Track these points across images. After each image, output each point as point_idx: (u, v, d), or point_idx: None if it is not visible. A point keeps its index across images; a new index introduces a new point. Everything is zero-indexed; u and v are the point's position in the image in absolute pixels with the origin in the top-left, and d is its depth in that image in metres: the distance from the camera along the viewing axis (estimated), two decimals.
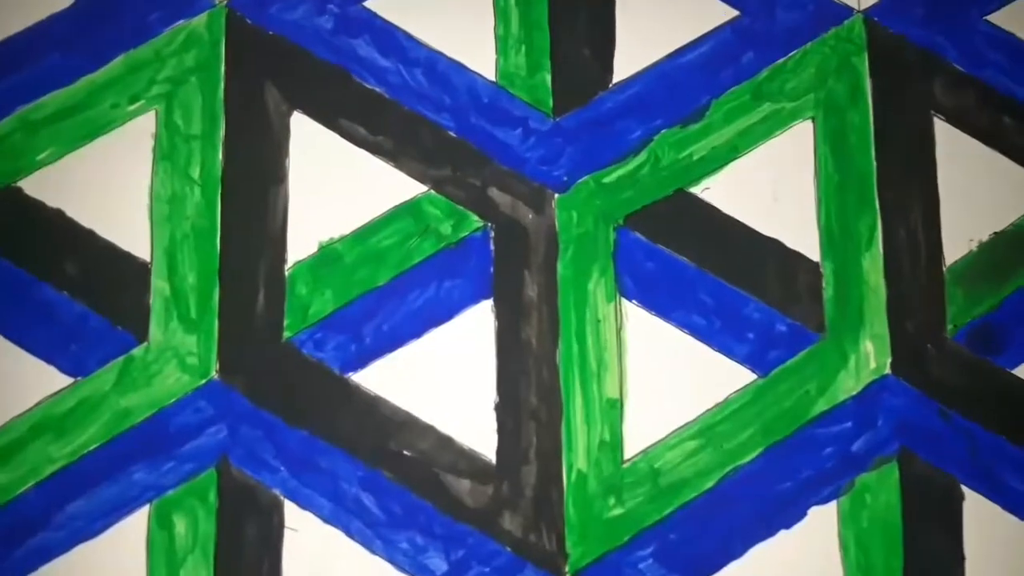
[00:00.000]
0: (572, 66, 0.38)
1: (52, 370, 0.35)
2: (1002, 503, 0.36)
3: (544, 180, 0.38)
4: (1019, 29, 0.39)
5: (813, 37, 0.39)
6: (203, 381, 0.36)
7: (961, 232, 0.38)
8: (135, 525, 0.35)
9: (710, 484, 0.36)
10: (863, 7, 0.39)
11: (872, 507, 0.36)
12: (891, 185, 0.38)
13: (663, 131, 0.38)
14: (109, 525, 0.35)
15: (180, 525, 0.35)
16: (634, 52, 0.38)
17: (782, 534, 0.35)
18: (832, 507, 0.36)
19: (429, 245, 0.37)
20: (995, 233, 0.38)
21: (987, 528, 0.36)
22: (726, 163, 0.38)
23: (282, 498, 0.35)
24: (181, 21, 0.38)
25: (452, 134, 0.38)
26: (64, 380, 0.35)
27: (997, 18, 0.40)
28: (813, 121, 0.38)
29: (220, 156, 0.37)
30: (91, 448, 0.35)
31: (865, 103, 0.39)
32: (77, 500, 0.35)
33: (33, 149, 0.37)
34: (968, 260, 0.38)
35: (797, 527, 0.36)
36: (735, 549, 0.35)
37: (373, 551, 0.35)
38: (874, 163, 0.38)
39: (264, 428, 0.35)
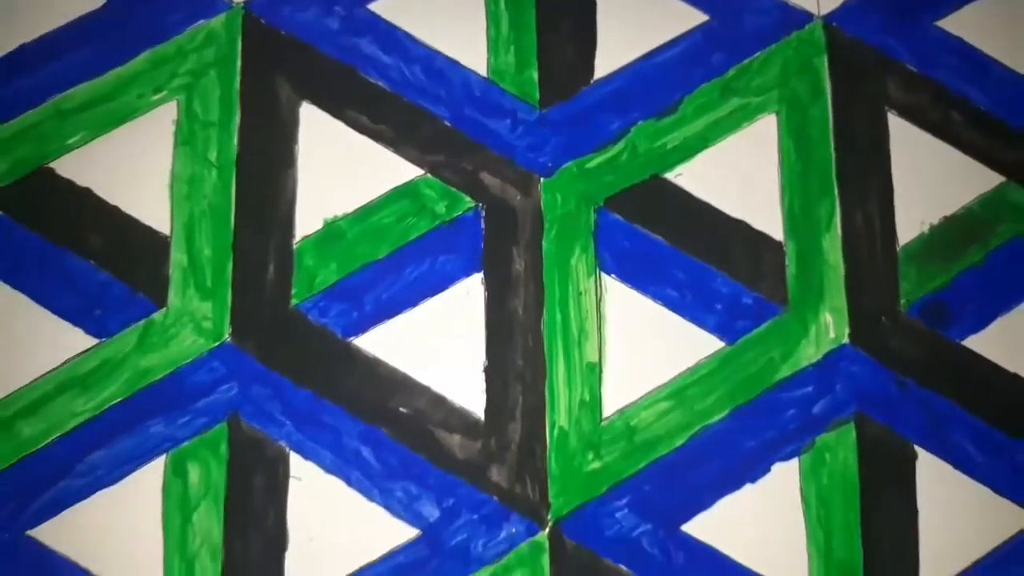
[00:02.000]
0: (557, 64, 0.45)
1: (78, 332, 0.42)
2: (952, 462, 0.43)
3: (531, 166, 0.44)
4: (966, 33, 0.47)
5: (777, 40, 0.46)
6: (217, 343, 0.42)
7: (914, 216, 0.45)
8: (152, 474, 0.41)
9: (681, 441, 0.42)
10: (823, 13, 0.47)
11: (831, 465, 0.42)
12: (849, 173, 0.45)
13: (640, 123, 0.45)
14: (128, 473, 0.41)
15: (193, 474, 0.41)
16: (614, 52, 0.46)
17: (748, 488, 0.42)
18: (794, 464, 0.42)
19: (425, 223, 0.44)
20: (945, 217, 0.45)
21: (938, 485, 0.42)
22: (697, 152, 0.45)
23: (288, 450, 0.41)
24: (201, 21, 0.45)
25: (447, 124, 0.45)
26: (89, 341, 0.42)
27: (946, 23, 0.47)
28: (777, 115, 0.45)
29: (235, 142, 0.44)
30: (112, 403, 0.41)
31: (825, 99, 0.46)
32: (98, 451, 0.41)
33: (64, 134, 0.44)
34: (920, 241, 0.45)
35: (761, 482, 0.42)
36: (704, 501, 0.41)
37: (371, 499, 0.41)
38: (833, 153, 0.45)
39: (272, 387, 0.42)
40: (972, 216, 0.45)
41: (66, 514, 0.40)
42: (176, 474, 0.41)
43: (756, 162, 0.45)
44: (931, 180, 0.45)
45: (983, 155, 0.46)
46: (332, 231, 0.43)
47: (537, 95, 0.45)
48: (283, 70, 0.45)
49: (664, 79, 0.45)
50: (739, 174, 0.44)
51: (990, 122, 0.46)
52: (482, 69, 0.45)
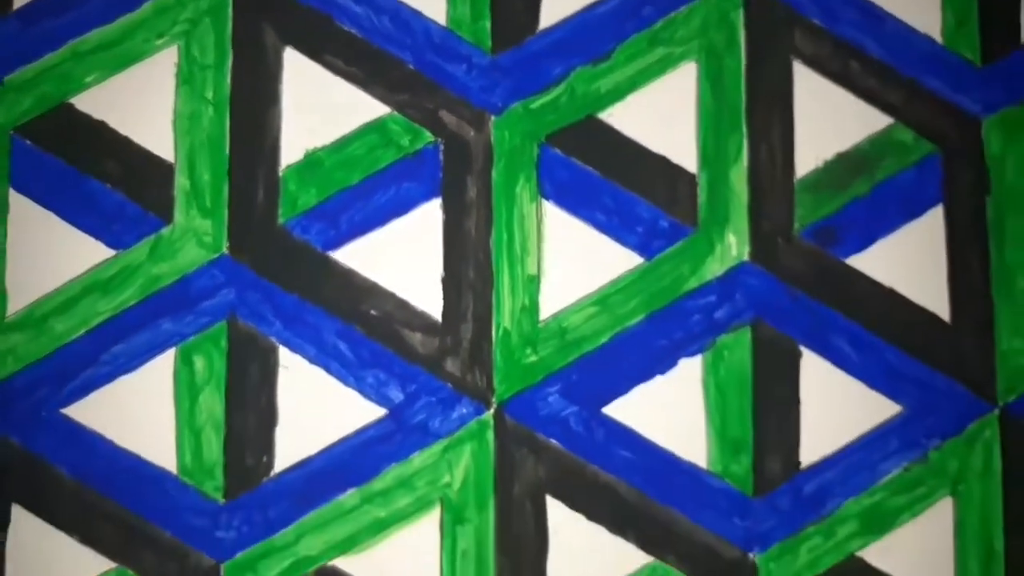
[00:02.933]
0: (507, 15, 0.55)
1: (99, 244, 0.53)
2: (832, 360, 0.54)
3: (484, 105, 0.55)
4: None
5: None
6: (216, 255, 0.53)
7: (811, 152, 0.55)
8: (164, 363, 0.52)
9: (604, 340, 0.53)
10: None
11: (729, 360, 0.54)
12: (756, 115, 0.55)
13: (578, 68, 0.55)
14: (144, 363, 0.52)
15: (199, 363, 0.52)
16: (558, 5, 0.55)
17: (658, 378, 0.53)
18: (698, 359, 0.54)
19: (391, 154, 0.54)
20: (839, 153, 0.56)
21: (819, 379, 0.54)
22: (627, 95, 0.55)
23: (277, 344, 0.53)
24: None
25: (411, 67, 0.55)
26: (108, 252, 0.53)
27: None
28: (697, 63, 0.56)
29: (228, 82, 0.54)
30: (129, 305, 0.53)
31: (739, 50, 0.56)
32: (119, 344, 0.52)
33: (81, 74, 0.54)
34: (815, 174, 0.55)
35: (670, 373, 0.53)
36: (621, 388, 0.53)
37: (347, 384, 0.53)
38: (743, 97, 0.55)
39: (263, 292, 0.53)
40: (862, 153, 0.56)
41: (93, 396, 0.52)
42: (184, 363, 0.52)
43: (677, 104, 0.55)
44: (828, 121, 0.55)
45: (875, 99, 0.56)
46: (312, 160, 0.54)
47: (489, 43, 0.55)
48: (268, 19, 0.54)
49: (600, 30, 0.55)
50: (661, 115, 0.55)
51: (883, 69, 0.56)
52: (442, 19, 0.55)
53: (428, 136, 0.55)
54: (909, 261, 0.55)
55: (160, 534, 0.52)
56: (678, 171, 0.55)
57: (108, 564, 0.51)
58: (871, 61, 0.56)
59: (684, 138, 0.55)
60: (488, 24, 0.55)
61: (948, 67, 0.57)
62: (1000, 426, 0.54)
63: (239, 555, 0.52)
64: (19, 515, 0.52)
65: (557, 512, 0.53)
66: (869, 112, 0.56)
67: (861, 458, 0.54)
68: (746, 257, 0.55)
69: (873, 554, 0.54)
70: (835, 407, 0.54)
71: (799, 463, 0.54)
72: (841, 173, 0.56)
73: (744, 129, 0.55)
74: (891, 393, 0.55)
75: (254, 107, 0.54)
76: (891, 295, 0.55)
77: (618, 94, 0.55)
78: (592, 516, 0.53)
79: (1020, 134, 0.56)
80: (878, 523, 0.54)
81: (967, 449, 0.54)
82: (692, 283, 0.54)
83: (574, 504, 0.53)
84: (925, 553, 0.54)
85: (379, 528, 0.52)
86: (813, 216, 0.55)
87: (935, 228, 0.56)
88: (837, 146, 0.56)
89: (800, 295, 0.55)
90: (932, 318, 0.55)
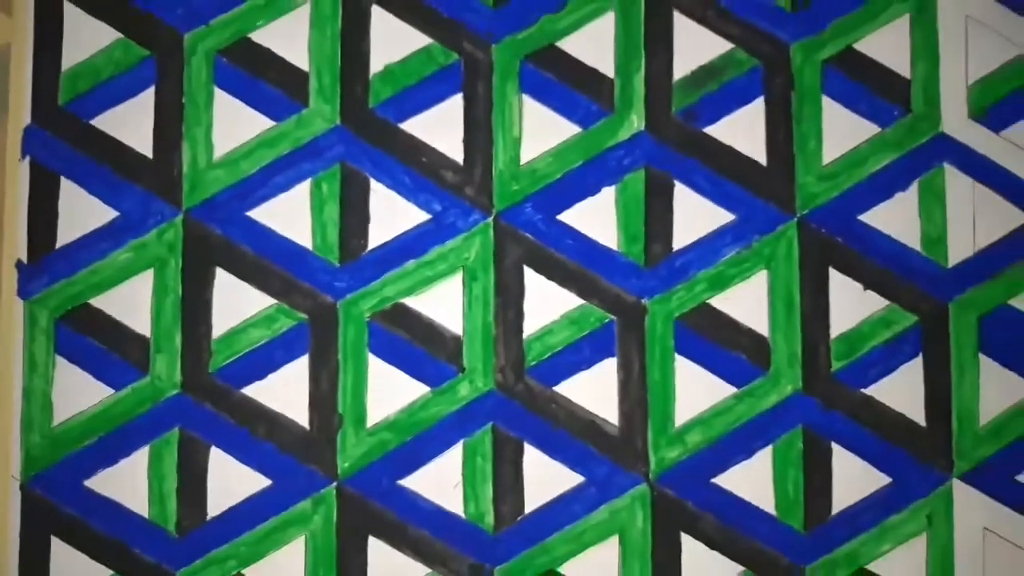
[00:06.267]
0: None
1: (266, 118, 0.99)
2: (693, 188, 0.99)
3: (487, 39, 0.99)
4: None
5: None
6: (333, 126, 0.98)
7: (683, 65, 1.00)
8: (304, 187, 0.99)
9: (558, 176, 0.99)
10: None
11: (630, 188, 0.99)
12: (651, 44, 0.99)
13: (545, 15, 0.99)
14: (292, 186, 0.99)
15: (325, 187, 0.98)
16: None
17: (589, 199, 0.99)
18: (613, 188, 0.99)
19: (434, 67, 0.99)
20: (700, 65, 1.00)
21: (684, 200, 0.99)
22: (574, 31, 0.99)
23: (369, 177, 0.98)
24: None
25: (446, 16, 0.99)
26: (270, 123, 0.99)
27: None
28: (614, 12, 1.00)
29: (339, 25, 0.99)
30: (284, 152, 0.98)
31: (639, 6, 1.00)
32: (278, 175, 0.98)
33: (254, 20, 0.99)
34: (686, 78, 1.00)
35: (597, 196, 0.99)
36: (568, 204, 0.99)
37: (408, 200, 0.99)
38: (643, 33, 0.99)
39: (360, 147, 0.99)
40: (714, 65, 1.00)
41: (264, 205, 0.98)
42: (316, 187, 0.98)
43: (601, 37, 0.99)
44: (693, 47, 1.00)
45: (723, 32, 1.00)
46: (388, 71, 0.99)
47: (492, 2, 0.99)
48: None
49: None
50: (593, 43, 0.99)
51: (728, 15, 1.00)
52: None
53: (455, 56, 1.00)
54: (740, 130, 1.00)
55: (297, 282, 0.98)
56: (603, 76, 1.00)
57: (268, 300, 0.99)
58: (722, 11, 1.01)
59: (606, 57, 1.00)
60: None
61: (771, 11, 1.01)
62: (797, 228, 1.00)
63: (348, 296, 0.99)
64: (218, 258, 0.99)
65: (530, 274, 0.99)
66: (719, 41, 1.01)
67: (710, 246, 1.00)
68: (642, 128, 1.00)
69: (715, 301, 1.00)
70: (695, 216, 1.00)
71: (672, 247, 0.99)
72: (701, 77, 1.01)
73: (643, 53, 1.00)
74: (728, 207, 1.00)
75: (355, 39, 0.99)
76: (730, 149, 1.00)
77: (568, 31, 1.00)
78: (549, 277, 0.99)
79: (812, 54, 1.01)
80: (719, 284, 1.00)
81: (776, 241, 1.00)
82: (610, 143, 0.99)
83: (539, 270, 0.99)
84: (749, 301, 1.00)
85: (428, 282, 0.99)
86: (683, 103, 1.00)
87: (758, 111, 1.00)
88: (699, 61, 1.00)
89: (674, 151, 1.00)
90: (755, 162, 1.00)
